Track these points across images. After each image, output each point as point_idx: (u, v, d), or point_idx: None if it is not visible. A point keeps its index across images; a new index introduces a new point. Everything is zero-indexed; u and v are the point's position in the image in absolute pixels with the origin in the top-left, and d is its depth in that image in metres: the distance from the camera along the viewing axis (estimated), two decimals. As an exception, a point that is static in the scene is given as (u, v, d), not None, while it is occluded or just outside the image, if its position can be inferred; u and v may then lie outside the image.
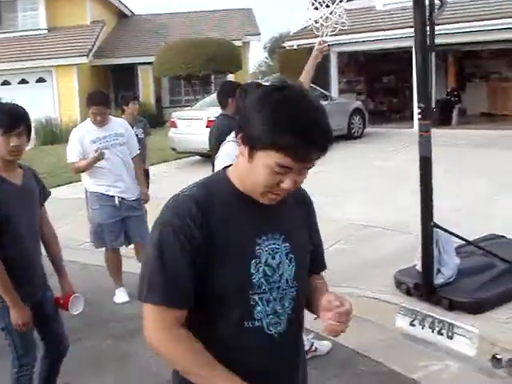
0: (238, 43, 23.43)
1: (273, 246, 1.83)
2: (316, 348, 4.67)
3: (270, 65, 53.37)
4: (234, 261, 1.76)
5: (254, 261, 1.78)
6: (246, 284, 1.78)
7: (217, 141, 4.40)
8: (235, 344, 1.79)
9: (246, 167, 1.75)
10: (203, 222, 1.73)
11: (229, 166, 1.90)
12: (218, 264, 1.74)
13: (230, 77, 22.54)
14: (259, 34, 26.52)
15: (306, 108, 1.68)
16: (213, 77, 22.38)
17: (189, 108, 15.43)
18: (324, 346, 4.72)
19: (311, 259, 2.01)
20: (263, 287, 1.80)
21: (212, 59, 20.23)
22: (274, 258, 1.82)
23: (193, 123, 13.40)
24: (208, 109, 12.66)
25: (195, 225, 1.72)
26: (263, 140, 1.66)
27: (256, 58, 55.84)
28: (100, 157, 5.56)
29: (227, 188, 1.82)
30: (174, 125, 14.21)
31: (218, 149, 4.20)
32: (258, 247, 1.80)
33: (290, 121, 1.64)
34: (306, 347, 4.55)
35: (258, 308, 1.80)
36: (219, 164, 4.03)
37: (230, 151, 4.01)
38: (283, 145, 1.64)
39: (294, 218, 1.94)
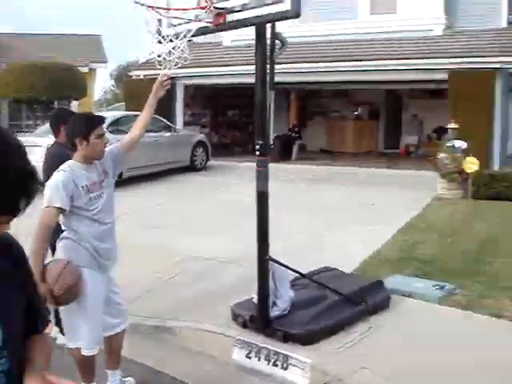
0: (84, 69, 22.95)
1: None
2: None
3: (116, 93, 52.72)
4: None
5: None
6: None
7: (50, 170, 4.24)
8: None
9: None
10: None
11: None
12: None
13: (74, 104, 21.99)
14: (106, 62, 26.14)
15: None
16: (56, 103, 21.70)
17: (28, 134, 14.83)
18: (129, 381, 4.66)
19: (28, 315, 1.77)
20: None
21: (55, 84, 19.62)
22: None
23: (32, 150, 12.72)
24: (48, 135, 12.22)
25: None
26: None
27: (102, 84, 54.96)
28: None
29: None
30: (11, 150, 13.56)
31: None
32: None
33: None
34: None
35: None
36: (48, 194, 3.90)
37: (58, 181, 3.92)
38: None
39: None
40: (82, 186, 3.99)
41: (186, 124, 20.27)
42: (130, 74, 21.10)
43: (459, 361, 4.68)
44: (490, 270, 7.18)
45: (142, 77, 19.39)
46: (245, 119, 22.57)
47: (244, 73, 16.41)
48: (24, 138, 10.51)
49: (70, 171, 3.99)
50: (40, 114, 21.39)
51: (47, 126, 14.50)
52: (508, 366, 4.58)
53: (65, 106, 19.09)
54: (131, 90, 19.33)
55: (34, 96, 19.86)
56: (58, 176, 3.94)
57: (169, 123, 16.54)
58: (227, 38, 18.32)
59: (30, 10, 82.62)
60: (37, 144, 12.75)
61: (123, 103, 22.76)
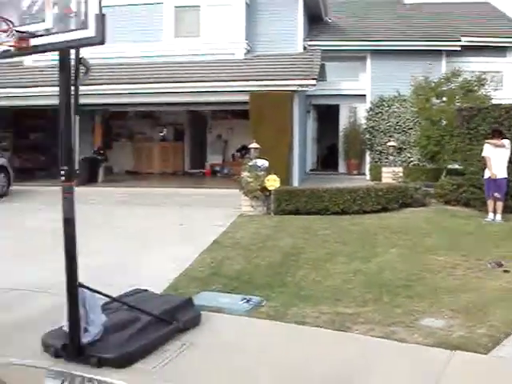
0: None
1: None
2: None
3: None
4: None
5: None
6: None
7: None
8: None
9: None
10: None
11: None
12: None
13: None
14: None
15: None
16: None
17: None
18: None
19: None
20: None
21: None
22: None
23: None
24: None
25: None
26: None
27: None
28: None
29: None
30: None
31: None
32: None
33: None
34: None
35: None
36: None
37: None
38: None
39: None
40: None
41: (-16, 148, 19.24)
42: None
43: (270, 369, 4.95)
44: (293, 280, 7.65)
45: None
46: (48, 142, 21.83)
47: (47, 94, 15.99)
48: None
49: None
50: None
51: None
52: (313, 370, 4.93)
53: None
54: None
55: None
56: None
57: (-36, 147, 15.62)
58: (29, 57, 17.63)
59: None
60: None
61: None
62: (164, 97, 17.17)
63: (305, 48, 19.55)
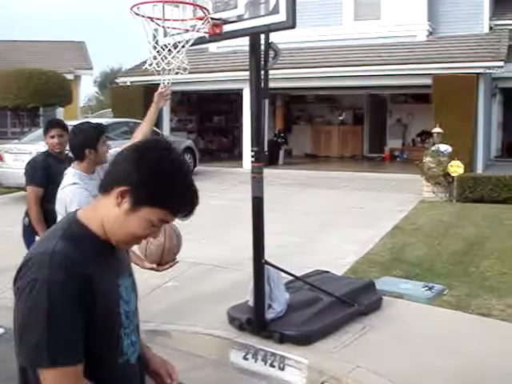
0: (69, 76, 22.94)
1: (127, 284, 1.93)
2: None
3: (101, 99, 52.73)
4: (109, 307, 1.79)
5: (120, 301, 1.85)
6: (118, 325, 1.84)
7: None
8: (113, 381, 1.84)
9: (120, 218, 1.79)
10: (83, 275, 1.71)
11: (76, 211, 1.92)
12: (98, 313, 1.74)
13: (60, 110, 22.01)
14: (91, 69, 26.17)
15: (188, 170, 1.86)
16: (41, 109, 21.69)
17: (16, 141, 14.84)
18: None
19: None
20: (125, 323, 1.88)
21: (41, 91, 19.62)
22: (127, 294, 1.91)
23: (21, 157, 12.89)
24: (37, 142, 12.27)
25: (79, 280, 1.69)
26: (158, 200, 1.76)
27: (86, 91, 54.71)
28: None
29: (88, 236, 1.82)
30: (-1, 158, 13.58)
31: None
32: (120, 288, 1.87)
33: (184, 185, 1.81)
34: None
35: (125, 343, 1.87)
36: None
37: (78, 194, 3.89)
38: (176, 207, 1.80)
39: (126, 254, 2.06)
40: (95, 195, 4.00)
41: (172, 130, 20.38)
42: (117, 80, 21.20)
43: (450, 359, 4.83)
44: (477, 270, 7.37)
45: (128, 83, 19.53)
46: (231, 125, 22.71)
47: (230, 79, 16.61)
48: (12, 146, 10.57)
49: (80, 182, 3.99)
50: (26, 121, 21.38)
51: (35, 133, 14.68)
52: (497, 365, 4.74)
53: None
54: (118, 96, 19.48)
55: (20, 103, 19.80)
56: (75, 189, 3.94)
57: (156, 129, 16.57)
58: (213, 44, 18.39)
59: (12, 15, 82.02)
60: (26, 151, 12.83)
61: (109, 110, 22.81)
62: (344, 80, 17.17)
63: (491, 28, 18.59)
